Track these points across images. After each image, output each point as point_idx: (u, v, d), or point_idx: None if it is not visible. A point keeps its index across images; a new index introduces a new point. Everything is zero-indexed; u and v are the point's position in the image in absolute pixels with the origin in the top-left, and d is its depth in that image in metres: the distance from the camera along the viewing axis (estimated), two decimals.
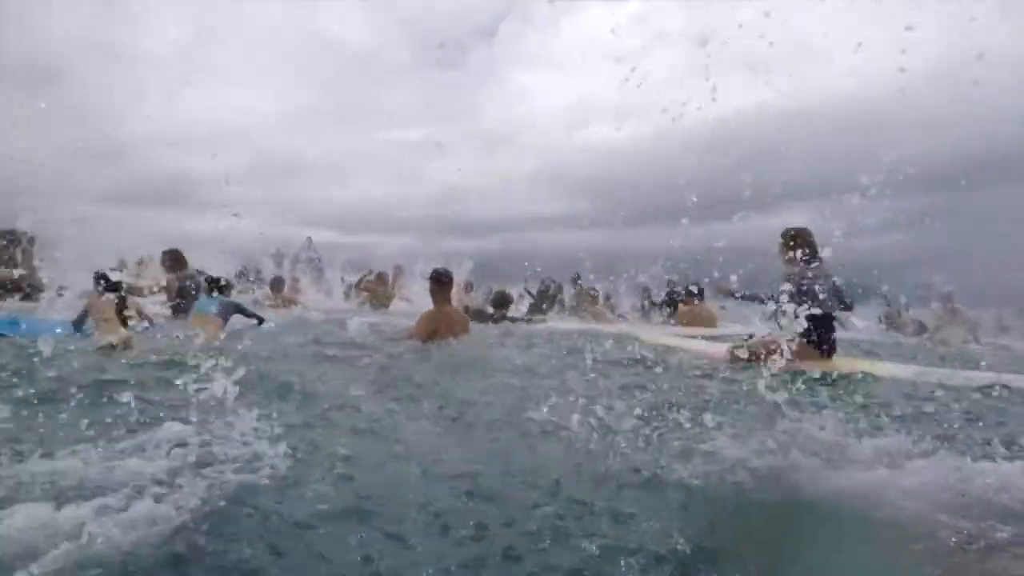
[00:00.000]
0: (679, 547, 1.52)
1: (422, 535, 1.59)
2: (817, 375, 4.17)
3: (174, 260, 7.38)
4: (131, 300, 5.19)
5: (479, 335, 6.11)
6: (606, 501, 1.82)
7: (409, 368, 4.36)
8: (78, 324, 5.58)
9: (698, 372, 4.57)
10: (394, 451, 2.32)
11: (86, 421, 2.34)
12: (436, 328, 5.48)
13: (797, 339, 4.64)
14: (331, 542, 1.55)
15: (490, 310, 8.44)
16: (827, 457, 2.14)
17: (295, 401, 3.09)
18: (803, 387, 3.34)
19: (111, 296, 5.25)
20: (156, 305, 7.30)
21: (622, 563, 1.45)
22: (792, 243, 4.82)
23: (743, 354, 4.77)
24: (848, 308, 5.66)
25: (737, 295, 5.30)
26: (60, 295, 6.59)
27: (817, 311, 4.55)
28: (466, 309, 8.07)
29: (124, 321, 5.17)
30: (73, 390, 2.77)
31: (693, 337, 6.80)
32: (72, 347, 4.18)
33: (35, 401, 2.73)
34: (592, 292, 11.14)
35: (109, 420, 2.42)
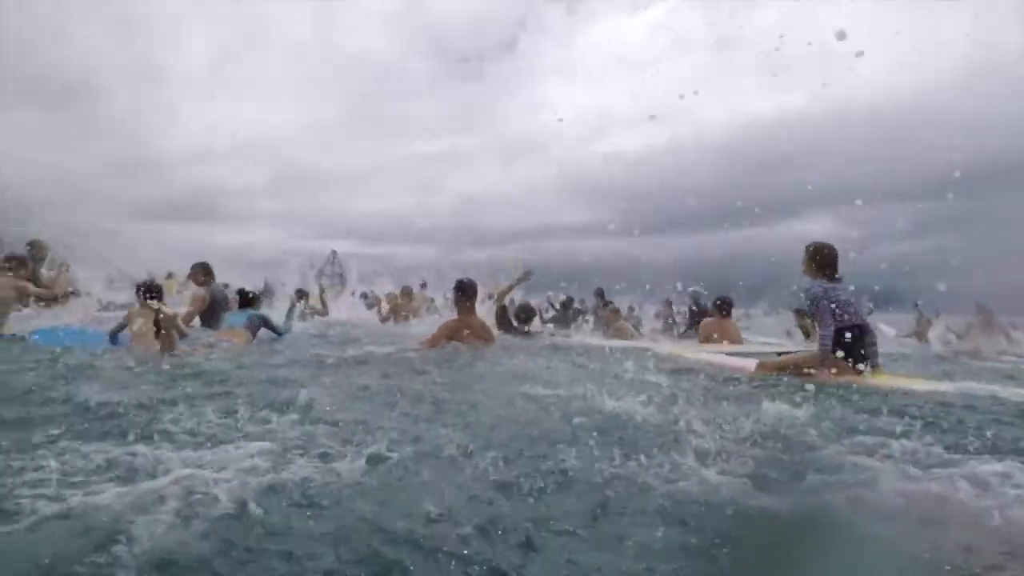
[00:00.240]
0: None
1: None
2: (847, 392, 4.00)
3: (203, 273, 7.52)
4: (167, 311, 5.34)
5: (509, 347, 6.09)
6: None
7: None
8: (114, 335, 5.76)
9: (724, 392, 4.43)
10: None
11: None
12: (455, 335, 5.51)
13: (827, 355, 4.61)
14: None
15: (514, 323, 8.38)
16: (858, 484, 2.03)
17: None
18: (835, 405, 3.28)
19: (150, 307, 5.45)
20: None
21: None
22: (817, 257, 4.74)
23: (772, 370, 4.72)
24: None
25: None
26: (99, 308, 6.82)
27: (848, 325, 4.55)
28: (501, 314, 8.05)
29: (159, 333, 5.31)
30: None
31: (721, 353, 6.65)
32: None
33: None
34: (615, 308, 11.07)
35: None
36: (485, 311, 7.89)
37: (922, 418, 2.94)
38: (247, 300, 6.93)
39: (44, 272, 7.22)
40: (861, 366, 4.46)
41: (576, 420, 2.71)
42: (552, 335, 8.55)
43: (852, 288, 4.66)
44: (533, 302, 15.34)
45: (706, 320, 8.25)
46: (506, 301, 8.34)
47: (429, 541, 1.49)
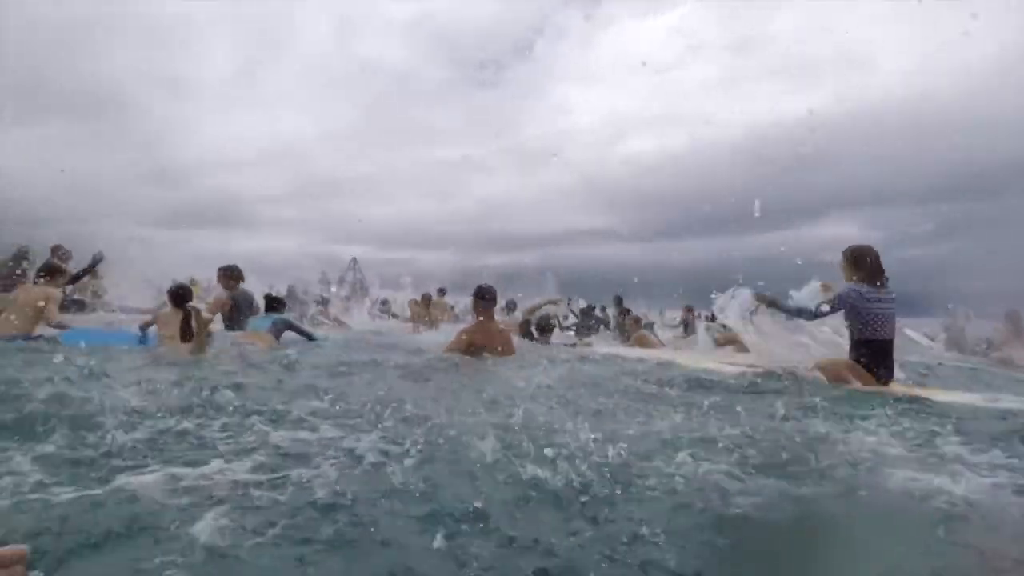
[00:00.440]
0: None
1: None
2: (870, 401, 3.93)
3: (230, 276, 7.62)
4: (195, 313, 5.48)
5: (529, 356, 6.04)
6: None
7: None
8: (144, 331, 5.99)
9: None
10: None
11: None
12: (474, 342, 5.53)
13: (852, 363, 4.56)
14: None
15: (535, 333, 8.35)
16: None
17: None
18: (855, 415, 3.24)
19: (180, 310, 5.62)
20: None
21: None
22: (856, 263, 4.67)
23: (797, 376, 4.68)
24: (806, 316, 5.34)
25: (779, 306, 5.05)
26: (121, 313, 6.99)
27: (875, 337, 4.49)
28: (524, 325, 8.03)
29: (186, 334, 5.43)
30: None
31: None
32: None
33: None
34: (636, 317, 10.99)
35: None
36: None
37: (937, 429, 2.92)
38: (272, 304, 7.03)
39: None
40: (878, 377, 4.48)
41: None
42: (573, 345, 8.46)
43: (894, 295, 4.56)
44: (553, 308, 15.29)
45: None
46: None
47: None
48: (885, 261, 4.65)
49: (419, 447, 2.31)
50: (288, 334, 6.74)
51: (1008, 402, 3.97)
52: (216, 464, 2.08)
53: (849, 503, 1.95)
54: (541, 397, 3.50)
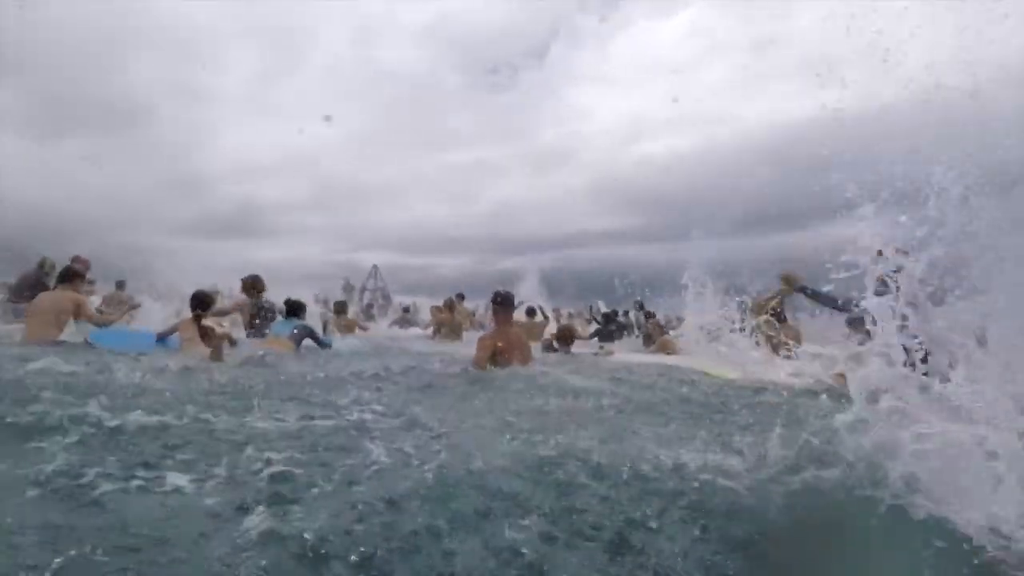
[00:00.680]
0: None
1: None
2: None
3: (253, 285, 7.72)
4: (215, 320, 5.57)
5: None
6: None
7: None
8: (162, 338, 6.10)
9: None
10: None
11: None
12: (497, 351, 5.50)
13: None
14: None
15: (555, 345, 8.23)
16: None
17: None
18: None
19: (199, 315, 5.72)
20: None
21: None
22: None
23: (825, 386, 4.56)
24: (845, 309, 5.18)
25: (809, 292, 4.90)
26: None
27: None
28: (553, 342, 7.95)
29: (205, 338, 5.52)
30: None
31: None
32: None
33: None
34: (658, 322, 10.82)
35: None
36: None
37: None
38: (294, 310, 7.09)
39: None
40: None
41: None
42: (595, 353, 8.29)
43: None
44: (573, 310, 15.13)
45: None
46: None
47: None
48: (910, 261, 4.55)
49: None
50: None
51: None
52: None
53: None
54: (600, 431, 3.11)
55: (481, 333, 7.72)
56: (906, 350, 3.59)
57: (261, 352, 5.68)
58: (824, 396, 3.25)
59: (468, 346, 8.35)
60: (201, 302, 5.97)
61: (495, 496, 2.02)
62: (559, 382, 4.85)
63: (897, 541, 1.83)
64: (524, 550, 1.66)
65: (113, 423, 2.65)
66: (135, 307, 7.55)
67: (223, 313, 7.03)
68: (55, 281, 6.79)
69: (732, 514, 1.95)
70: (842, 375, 4.51)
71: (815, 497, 2.05)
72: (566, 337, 7.92)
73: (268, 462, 2.25)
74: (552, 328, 11.50)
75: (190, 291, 6.24)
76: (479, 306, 14.66)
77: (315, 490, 2.01)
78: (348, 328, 11.05)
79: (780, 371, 5.83)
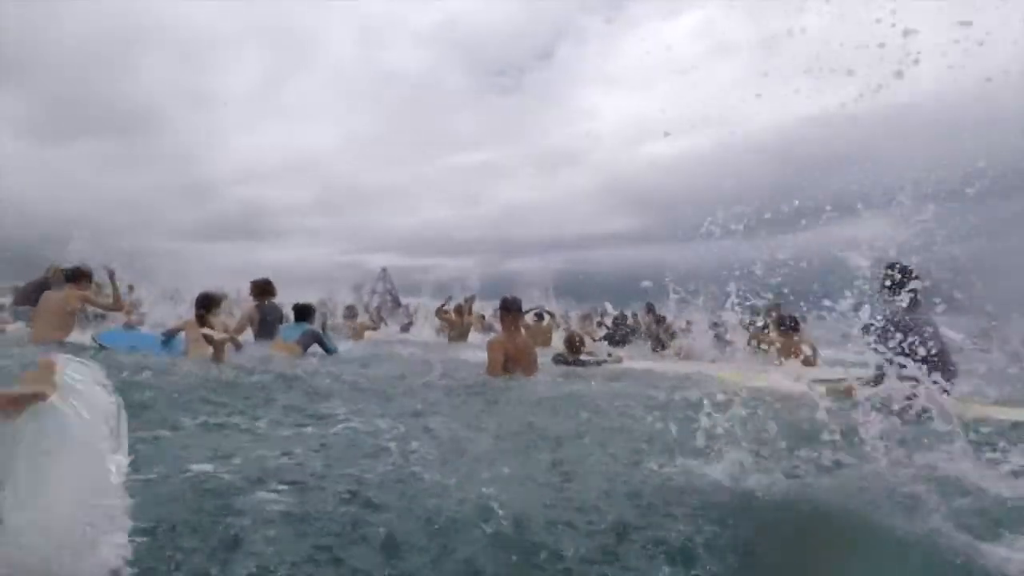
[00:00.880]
0: None
1: None
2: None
3: (262, 289, 7.70)
4: (219, 322, 5.56)
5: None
6: None
7: None
8: (167, 339, 6.11)
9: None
10: None
11: None
12: (507, 359, 5.48)
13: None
14: None
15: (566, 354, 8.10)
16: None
17: None
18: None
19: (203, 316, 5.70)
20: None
21: None
22: (893, 281, 4.47)
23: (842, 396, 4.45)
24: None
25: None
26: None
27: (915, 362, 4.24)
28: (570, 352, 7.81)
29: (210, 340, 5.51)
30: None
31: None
32: None
33: None
34: (669, 328, 10.70)
35: None
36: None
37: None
38: (302, 314, 7.06)
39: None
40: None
41: None
42: (604, 360, 8.10)
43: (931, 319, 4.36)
44: (581, 312, 15.02)
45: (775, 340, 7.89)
46: None
47: None
48: (921, 259, 4.49)
49: None
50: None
51: None
52: None
53: None
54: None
55: (490, 336, 7.65)
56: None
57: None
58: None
59: (473, 348, 8.32)
60: (207, 303, 5.94)
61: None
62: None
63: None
64: None
65: None
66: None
67: (238, 331, 6.95)
68: (63, 281, 6.77)
69: None
70: (851, 389, 4.41)
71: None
72: (573, 345, 7.83)
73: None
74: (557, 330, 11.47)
75: (196, 293, 6.23)
76: (485, 307, 14.58)
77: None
78: (358, 333, 11.03)
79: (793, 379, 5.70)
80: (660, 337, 10.11)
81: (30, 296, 7.76)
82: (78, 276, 6.60)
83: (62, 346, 5.75)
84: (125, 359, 4.83)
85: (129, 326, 8.02)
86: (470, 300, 12.63)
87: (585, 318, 14.10)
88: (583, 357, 7.55)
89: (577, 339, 8.04)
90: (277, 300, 7.90)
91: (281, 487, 2.03)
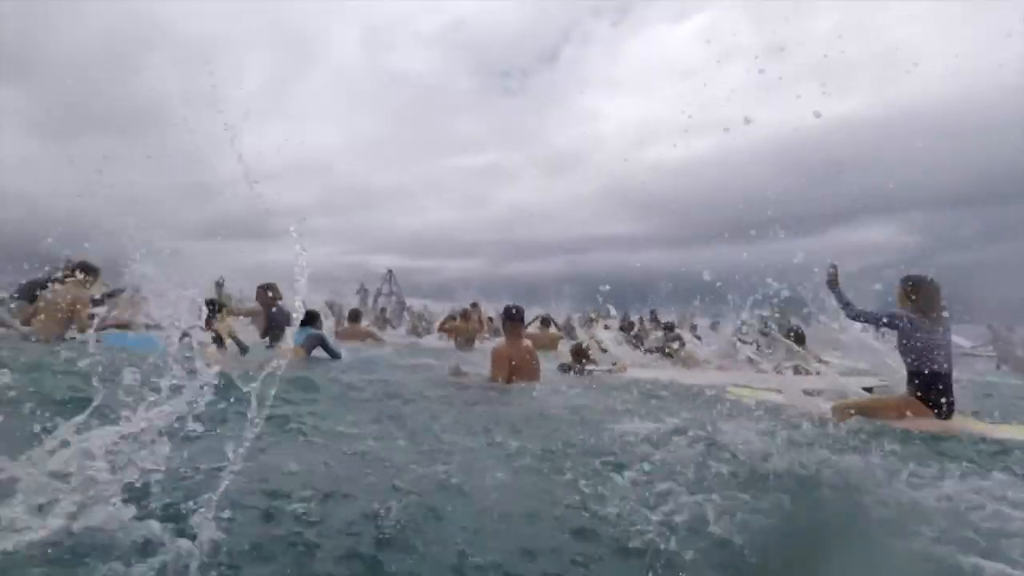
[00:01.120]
0: None
1: None
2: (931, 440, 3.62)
3: (268, 293, 7.72)
4: (225, 324, 5.60)
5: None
6: None
7: None
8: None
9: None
10: None
11: None
12: (511, 366, 5.51)
13: (909, 397, 4.30)
14: None
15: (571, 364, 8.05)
16: None
17: None
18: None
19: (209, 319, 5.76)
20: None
21: None
22: (912, 293, 4.46)
23: (849, 413, 4.40)
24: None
25: (844, 302, 4.75)
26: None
27: (931, 369, 4.23)
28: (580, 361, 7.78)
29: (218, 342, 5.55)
30: None
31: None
32: None
33: None
34: (678, 336, 10.62)
35: None
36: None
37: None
38: (307, 319, 7.10)
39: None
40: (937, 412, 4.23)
41: None
42: (609, 370, 8.03)
43: (947, 329, 4.33)
44: (592, 313, 14.95)
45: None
46: None
47: None
48: (924, 266, 4.48)
49: None
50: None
51: None
52: None
53: None
54: None
55: (499, 340, 7.64)
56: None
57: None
58: None
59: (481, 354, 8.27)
60: (213, 307, 5.98)
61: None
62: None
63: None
64: None
65: None
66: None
67: (244, 313, 7.00)
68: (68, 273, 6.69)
69: None
70: (846, 409, 4.37)
71: None
72: (580, 355, 7.84)
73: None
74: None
75: (203, 292, 6.24)
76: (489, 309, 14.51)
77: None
78: (360, 336, 10.98)
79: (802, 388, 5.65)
80: (668, 349, 10.05)
81: (24, 292, 7.65)
82: (86, 270, 6.60)
83: (64, 342, 5.77)
84: None
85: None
86: (475, 307, 12.61)
87: (590, 322, 14.06)
88: (589, 367, 7.55)
89: (584, 349, 8.03)
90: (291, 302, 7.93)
91: None
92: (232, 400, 3.28)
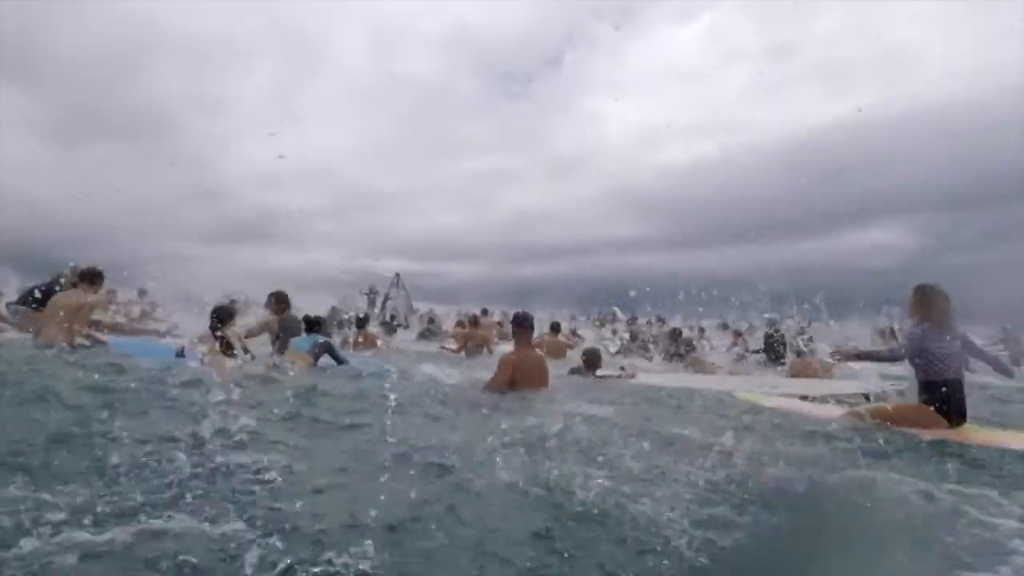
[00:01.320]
0: None
1: None
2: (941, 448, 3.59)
3: (279, 301, 7.73)
4: (233, 333, 5.63)
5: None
6: None
7: None
8: (180, 352, 6.23)
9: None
10: None
11: None
12: (516, 376, 5.48)
13: (921, 405, 4.27)
14: None
15: (582, 368, 8.05)
16: None
17: None
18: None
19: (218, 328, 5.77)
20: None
21: None
22: (922, 302, 4.44)
23: (863, 420, 4.37)
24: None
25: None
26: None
27: (943, 377, 4.21)
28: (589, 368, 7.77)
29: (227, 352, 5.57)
30: None
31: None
32: None
33: None
34: (688, 340, 10.58)
35: None
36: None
37: None
38: (312, 326, 7.11)
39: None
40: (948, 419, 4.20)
41: None
42: (618, 376, 7.98)
43: (956, 338, 4.31)
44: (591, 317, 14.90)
45: (794, 361, 7.85)
46: None
47: None
48: (930, 268, 4.44)
49: None
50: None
51: None
52: None
53: None
54: None
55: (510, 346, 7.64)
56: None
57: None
58: None
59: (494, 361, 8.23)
60: (222, 316, 6.00)
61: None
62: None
63: None
64: None
65: None
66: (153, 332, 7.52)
67: (253, 335, 6.98)
68: (76, 281, 6.70)
69: None
70: (858, 417, 4.37)
71: None
72: (591, 362, 7.85)
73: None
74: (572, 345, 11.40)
75: (211, 298, 6.28)
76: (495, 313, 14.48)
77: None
78: (367, 343, 10.96)
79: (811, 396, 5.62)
80: (677, 352, 10.02)
81: (26, 299, 7.64)
82: (92, 277, 6.61)
83: (73, 350, 5.79)
84: None
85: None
86: (485, 313, 12.61)
87: (599, 325, 14.04)
88: (599, 373, 7.57)
89: (595, 356, 8.02)
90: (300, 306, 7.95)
91: None
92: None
